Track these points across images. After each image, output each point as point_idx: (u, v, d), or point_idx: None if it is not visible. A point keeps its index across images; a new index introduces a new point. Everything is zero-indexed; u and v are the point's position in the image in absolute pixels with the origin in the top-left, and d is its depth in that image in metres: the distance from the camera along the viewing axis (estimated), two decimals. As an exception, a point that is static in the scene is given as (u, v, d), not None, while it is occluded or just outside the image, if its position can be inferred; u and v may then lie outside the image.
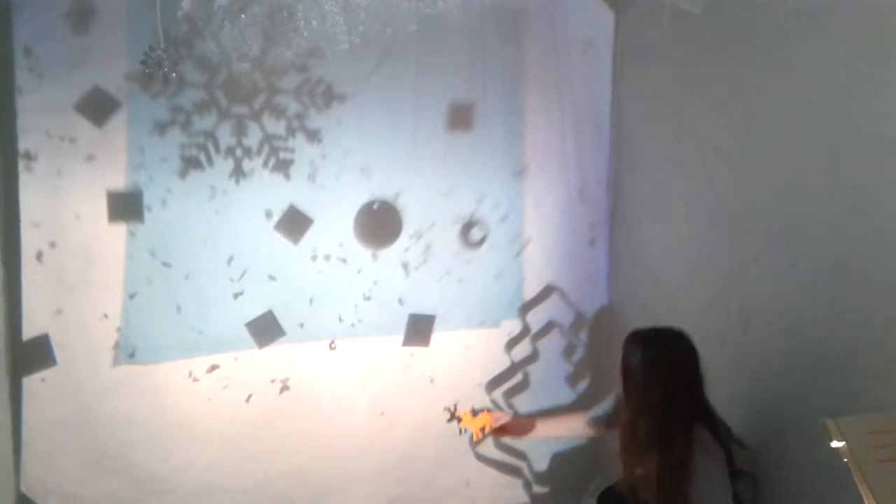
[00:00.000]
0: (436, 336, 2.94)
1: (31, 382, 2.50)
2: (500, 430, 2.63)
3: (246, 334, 2.72)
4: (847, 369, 1.88)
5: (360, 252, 2.82)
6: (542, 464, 3.06)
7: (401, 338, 2.90)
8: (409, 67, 2.80)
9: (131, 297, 2.58)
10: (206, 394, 2.69)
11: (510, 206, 2.98)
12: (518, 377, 3.03)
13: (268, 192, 2.70)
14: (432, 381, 2.94)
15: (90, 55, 2.47)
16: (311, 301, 2.78)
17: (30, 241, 2.46)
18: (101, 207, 2.53)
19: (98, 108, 2.50)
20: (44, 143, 2.45)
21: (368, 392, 2.88)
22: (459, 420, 2.71)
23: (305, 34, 2.55)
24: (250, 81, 2.64)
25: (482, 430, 2.65)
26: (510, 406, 3.02)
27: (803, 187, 2.05)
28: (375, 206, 2.83)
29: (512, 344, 3.03)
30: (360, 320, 2.84)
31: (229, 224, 2.66)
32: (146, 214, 2.57)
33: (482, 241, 2.97)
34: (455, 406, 2.72)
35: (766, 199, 2.19)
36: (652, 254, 2.85)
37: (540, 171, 3.01)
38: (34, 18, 2.40)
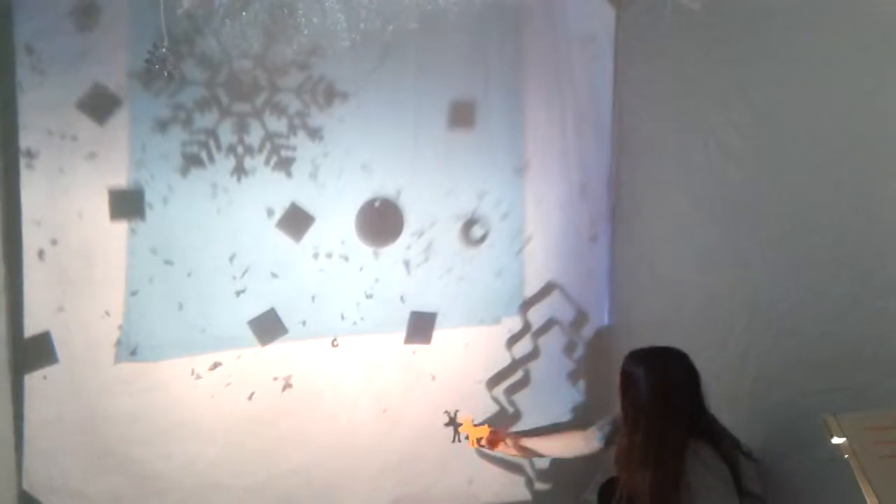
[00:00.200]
0: (437, 333, 2.94)
1: (32, 380, 2.51)
2: (501, 446, 2.65)
3: (248, 332, 2.72)
4: (852, 366, 1.88)
5: (362, 250, 2.83)
6: (544, 461, 3.06)
7: (402, 335, 2.91)
8: (411, 65, 2.80)
9: (133, 294, 2.58)
10: (209, 391, 2.69)
11: (511, 203, 2.98)
12: (519, 374, 3.04)
13: (269, 190, 2.70)
14: (434, 378, 2.94)
15: (91, 53, 2.47)
16: (313, 299, 2.78)
17: (31, 238, 2.47)
18: (103, 205, 2.53)
19: (99, 105, 2.50)
20: (45, 141, 2.45)
21: (371, 390, 2.88)
22: (459, 426, 2.72)
23: (306, 31, 2.55)
24: (251, 79, 2.64)
25: (479, 440, 2.68)
26: (512, 403, 3.03)
27: (809, 183, 2.05)
28: (377, 204, 2.83)
29: (513, 341, 3.03)
30: (361, 318, 2.84)
31: (231, 222, 2.66)
32: (148, 212, 2.58)
33: (483, 238, 2.97)
34: (455, 412, 2.72)
35: (771, 195, 2.19)
36: (654, 250, 2.85)
37: (541, 167, 3.01)
38: (35, 16, 2.40)
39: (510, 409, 3.00)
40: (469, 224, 2.95)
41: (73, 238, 2.51)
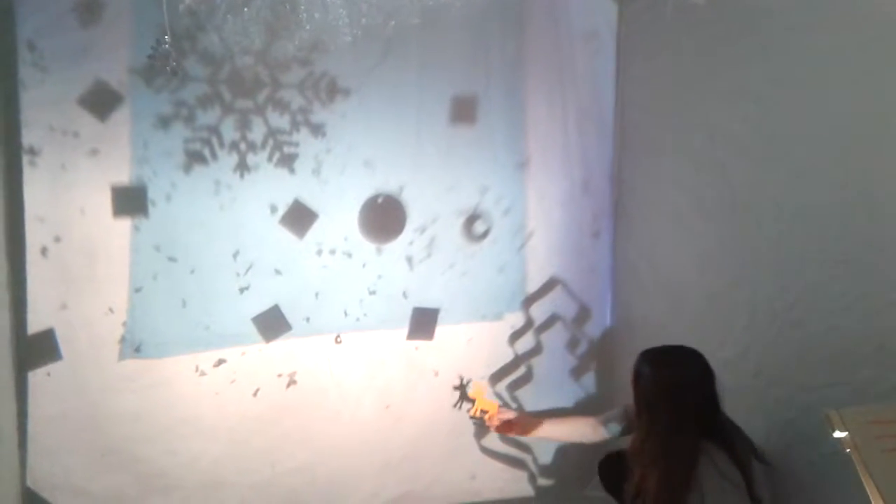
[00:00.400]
0: (440, 329, 2.94)
1: (36, 377, 2.51)
2: (505, 427, 2.62)
3: (252, 329, 2.72)
4: (857, 360, 1.88)
5: (365, 246, 2.83)
6: (546, 457, 3.07)
7: (405, 332, 2.91)
8: (413, 61, 2.80)
9: (137, 291, 2.58)
10: (213, 388, 2.70)
11: (513, 199, 2.98)
12: (521, 370, 3.04)
13: (272, 187, 2.70)
14: (437, 374, 2.94)
15: (93, 49, 2.47)
16: (316, 295, 2.78)
17: (34, 235, 2.47)
18: (106, 202, 2.53)
19: (101, 102, 2.49)
20: (47, 138, 2.45)
21: (374, 386, 2.88)
22: (467, 392, 2.68)
23: (308, 27, 2.54)
24: (254, 75, 2.63)
25: (483, 412, 2.60)
26: (514, 399, 3.03)
27: (812, 180, 2.05)
28: (380, 200, 2.83)
29: (515, 337, 3.03)
30: (365, 314, 2.85)
31: (234, 218, 2.66)
32: (151, 209, 2.57)
33: (485, 234, 2.97)
34: (468, 381, 2.70)
35: (777, 191, 2.19)
36: (657, 245, 2.85)
37: (543, 163, 3.01)
38: (37, 13, 2.40)
39: (513, 405, 3.00)
40: (471, 220, 2.95)
41: (77, 235, 2.51)
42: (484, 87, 2.89)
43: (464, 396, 2.76)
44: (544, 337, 3.06)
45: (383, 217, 2.84)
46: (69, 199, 2.49)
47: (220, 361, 2.70)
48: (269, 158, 2.68)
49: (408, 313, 2.90)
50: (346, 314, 2.82)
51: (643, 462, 1.97)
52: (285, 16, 2.56)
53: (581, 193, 3.07)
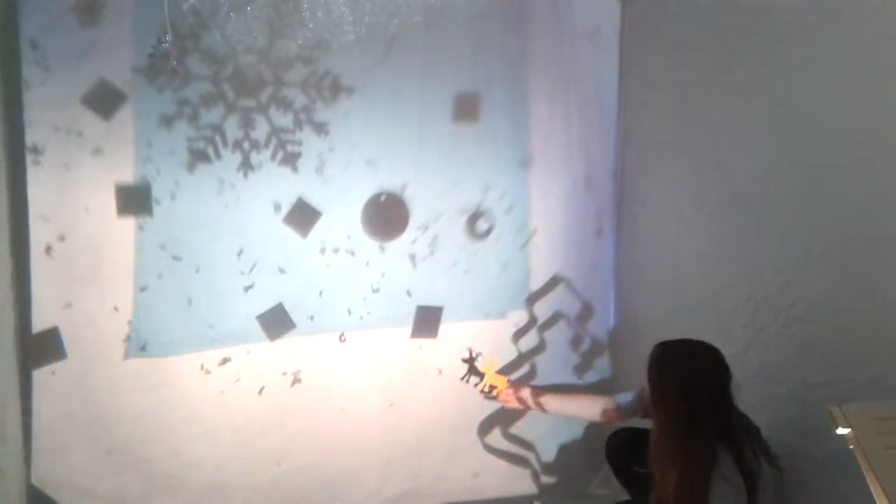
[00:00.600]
0: (443, 327, 2.94)
1: (41, 376, 2.52)
2: (515, 402, 2.62)
3: (257, 327, 2.73)
4: (861, 358, 1.88)
5: (368, 244, 2.83)
6: (549, 455, 3.07)
7: (409, 329, 2.91)
8: (416, 59, 2.80)
9: (142, 290, 2.59)
10: (218, 387, 2.70)
11: (516, 196, 2.98)
12: (525, 368, 3.04)
13: (276, 185, 2.70)
14: (440, 372, 2.94)
15: (96, 48, 2.47)
16: (320, 294, 2.78)
17: (38, 234, 2.47)
18: (110, 201, 2.54)
19: (104, 101, 2.50)
20: (51, 137, 2.45)
21: (378, 384, 2.89)
22: (475, 365, 2.65)
23: (311, 25, 2.55)
24: (257, 74, 2.63)
25: (492, 387, 2.61)
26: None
27: (817, 176, 2.05)
28: (383, 199, 2.84)
29: (519, 335, 3.03)
30: (368, 312, 2.85)
31: (238, 217, 2.67)
32: (155, 208, 2.58)
33: (488, 232, 2.97)
34: (478, 354, 2.68)
35: (782, 188, 2.19)
36: (660, 243, 2.85)
37: (546, 160, 3.01)
38: (40, 12, 2.40)
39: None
40: (474, 217, 2.95)
41: (81, 234, 2.51)
42: (487, 85, 2.89)
43: (472, 370, 2.71)
44: (548, 335, 3.06)
45: (386, 215, 2.84)
46: (73, 198, 2.50)
47: (225, 360, 2.70)
48: (273, 157, 2.69)
49: (411, 311, 2.90)
50: (349, 312, 2.83)
51: (661, 459, 1.94)
52: (288, 14, 2.57)
53: (584, 191, 3.07)
